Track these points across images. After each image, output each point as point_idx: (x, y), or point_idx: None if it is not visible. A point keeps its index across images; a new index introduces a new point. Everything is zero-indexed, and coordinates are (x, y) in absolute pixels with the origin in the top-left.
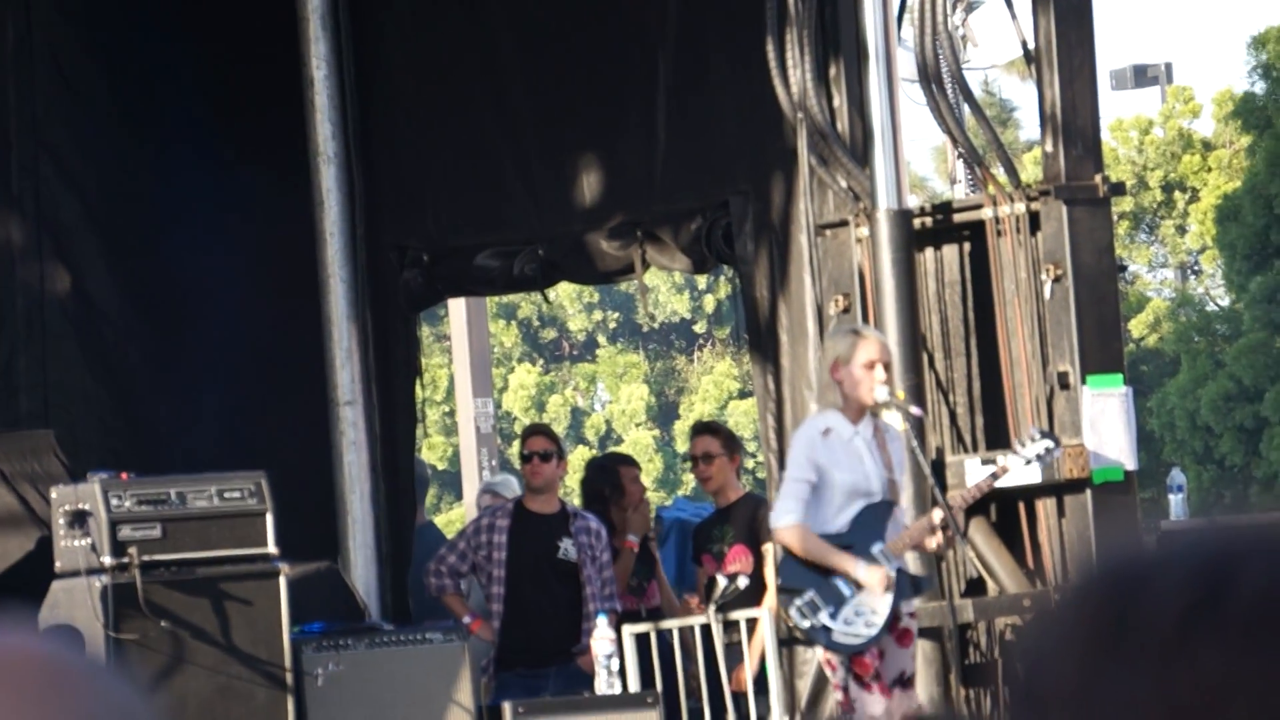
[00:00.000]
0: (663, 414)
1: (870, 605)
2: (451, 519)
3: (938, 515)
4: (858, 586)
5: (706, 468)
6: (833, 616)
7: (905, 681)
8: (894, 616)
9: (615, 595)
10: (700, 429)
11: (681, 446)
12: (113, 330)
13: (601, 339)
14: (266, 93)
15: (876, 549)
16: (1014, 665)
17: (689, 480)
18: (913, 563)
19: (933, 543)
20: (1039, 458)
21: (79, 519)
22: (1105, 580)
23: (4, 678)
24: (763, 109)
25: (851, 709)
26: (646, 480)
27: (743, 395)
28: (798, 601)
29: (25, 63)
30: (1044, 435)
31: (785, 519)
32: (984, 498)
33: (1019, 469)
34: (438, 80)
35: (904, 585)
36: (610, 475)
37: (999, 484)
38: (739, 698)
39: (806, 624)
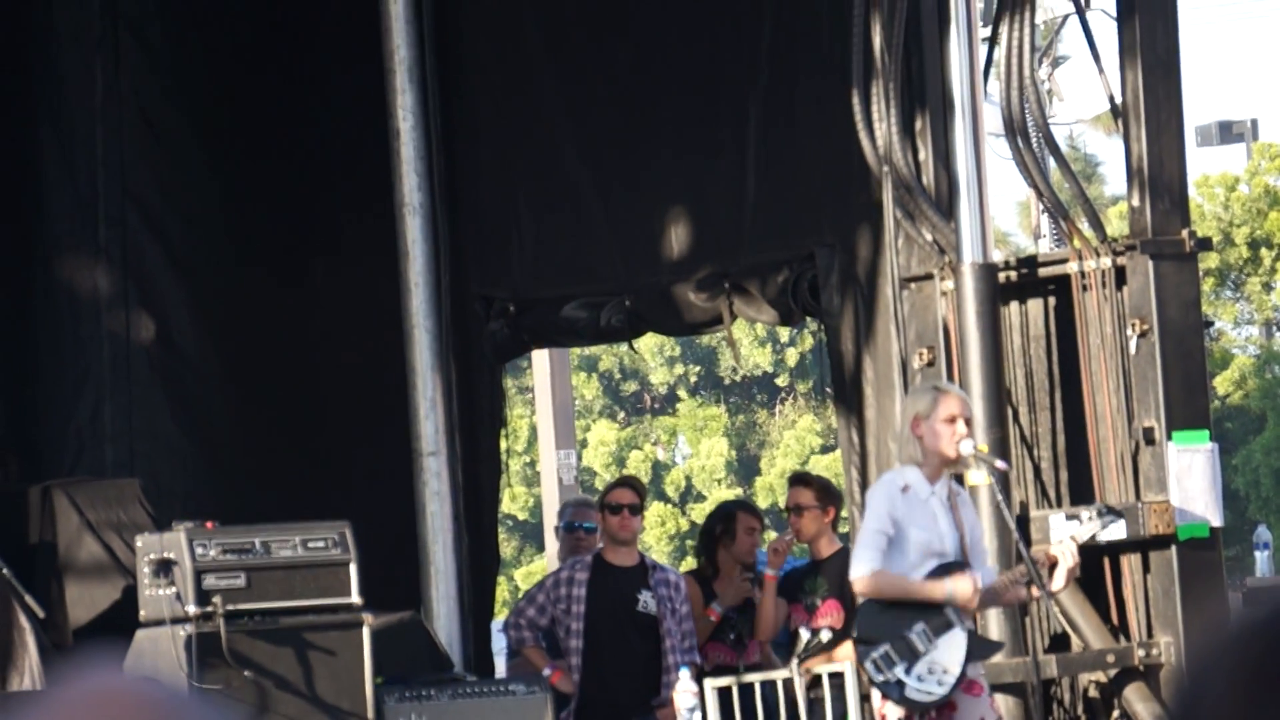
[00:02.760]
0: (743, 469)
1: (943, 664)
2: (533, 571)
3: (1020, 570)
4: (931, 642)
5: (796, 520)
6: (907, 672)
7: None
8: (962, 675)
9: (695, 648)
10: (794, 480)
11: (763, 503)
12: (197, 378)
13: (682, 392)
14: (352, 141)
15: (950, 609)
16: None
17: (770, 536)
18: (995, 622)
19: (1020, 591)
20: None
21: (164, 568)
22: (1267, 629)
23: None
24: (848, 161)
25: None
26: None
27: (825, 450)
28: (873, 654)
29: (113, 111)
30: (1106, 512)
31: (862, 568)
32: None
33: (1084, 533)
34: (525, 130)
35: (975, 647)
36: (726, 517)
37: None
38: None
39: (881, 678)
